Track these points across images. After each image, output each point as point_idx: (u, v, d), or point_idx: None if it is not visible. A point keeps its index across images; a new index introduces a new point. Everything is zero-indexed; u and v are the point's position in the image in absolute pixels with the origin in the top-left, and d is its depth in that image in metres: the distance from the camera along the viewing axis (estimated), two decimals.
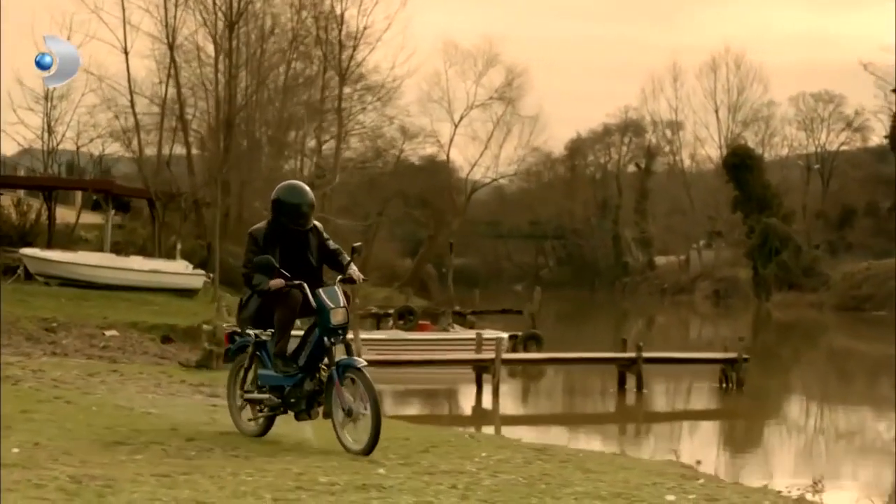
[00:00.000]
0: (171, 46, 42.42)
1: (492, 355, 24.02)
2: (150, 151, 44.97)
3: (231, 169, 40.29)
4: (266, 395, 9.06)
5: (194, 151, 45.19)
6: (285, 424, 9.28)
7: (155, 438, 9.02)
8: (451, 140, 71.90)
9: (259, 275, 8.80)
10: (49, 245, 35.00)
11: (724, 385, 25.21)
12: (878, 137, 79.78)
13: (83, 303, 27.86)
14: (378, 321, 35.40)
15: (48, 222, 38.34)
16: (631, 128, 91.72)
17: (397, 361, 25.46)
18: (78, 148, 53.29)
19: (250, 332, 9.19)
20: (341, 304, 8.76)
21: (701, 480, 8.95)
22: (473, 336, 27.18)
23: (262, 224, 9.12)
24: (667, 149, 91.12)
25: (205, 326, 19.86)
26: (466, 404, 25.02)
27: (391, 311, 34.36)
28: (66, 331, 22.64)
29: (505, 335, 29.61)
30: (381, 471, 7.82)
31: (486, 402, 23.57)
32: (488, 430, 19.27)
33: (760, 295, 69.08)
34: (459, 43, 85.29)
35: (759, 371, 28.15)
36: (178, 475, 7.31)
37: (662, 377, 27.58)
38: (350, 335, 9.11)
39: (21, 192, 41.25)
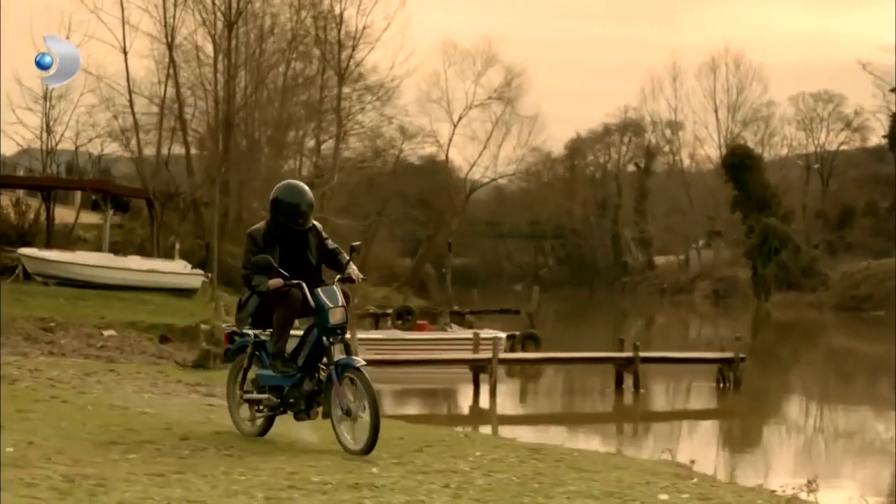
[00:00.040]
0: (170, 46, 42.47)
1: (489, 355, 24.04)
2: (148, 151, 44.99)
3: (230, 169, 40.31)
4: (265, 396, 9.06)
5: (193, 151, 45.22)
6: (280, 424, 9.28)
7: (149, 438, 9.03)
8: (450, 140, 72.00)
9: (258, 275, 8.79)
10: (47, 245, 35.01)
11: (721, 385, 25.23)
12: (877, 137, 79.95)
13: (81, 302, 27.87)
14: (376, 321, 35.41)
15: (47, 222, 38.35)
16: (630, 128, 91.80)
17: (395, 361, 25.47)
18: (77, 148, 53.27)
19: (249, 331, 9.19)
20: (340, 304, 8.74)
21: (695, 480, 8.95)
22: (471, 336, 27.19)
23: (260, 224, 9.11)
24: (666, 149, 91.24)
25: (202, 326, 19.88)
26: (464, 404, 25.02)
27: (389, 310, 34.38)
28: (63, 330, 22.62)
29: (502, 335, 29.65)
30: (374, 470, 7.83)
31: (484, 401, 23.58)
32: (485, 429, 19.29)
33: (760, 295, 69.10)
34: (458, 43, 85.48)
35: (758, 371, 28.17)
36: (171, 474, 7.32)
37: (660, 377, 27.61)
38: (347, 335, 9.08)
39: (20, 192, 41.24)
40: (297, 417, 9.02)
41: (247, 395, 9.27)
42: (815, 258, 70.74)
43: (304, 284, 8.76)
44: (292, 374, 8.87)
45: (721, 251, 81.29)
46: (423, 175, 69.25)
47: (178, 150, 46.18)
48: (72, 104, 49.91)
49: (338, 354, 8.73)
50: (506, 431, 17.81)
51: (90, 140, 51.96)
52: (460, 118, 71.35)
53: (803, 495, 9.38)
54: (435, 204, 68.36)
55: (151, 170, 42.18)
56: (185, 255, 35.49)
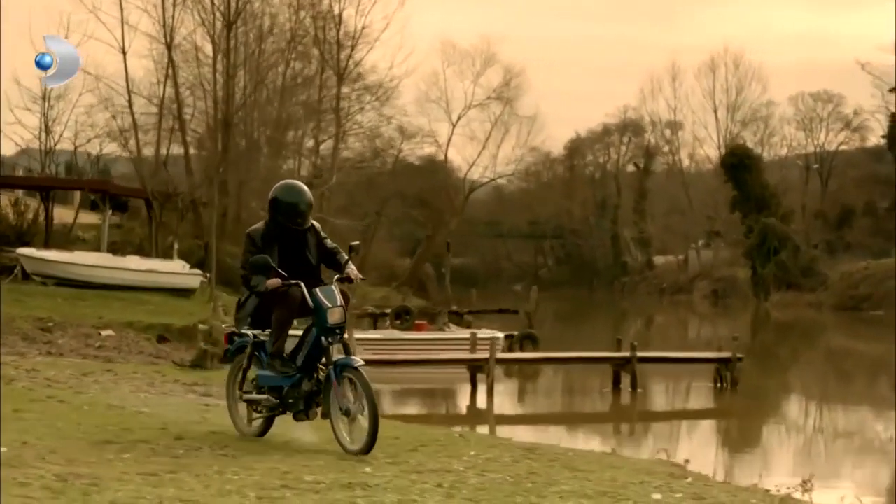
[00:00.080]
0: (169, 46, 42.47)
1: (487, 355, 24.05)
2: (147, 151, 44.97)
3: (229, 169, 40.30)
4: (264, 396, 9.06)
5: (192, 151, 45.21)
6: (277, 424, 9.29)
7: (144, 437, 9.05)
8: (450, 140, 71.96)
9: (257, 275, 8.79)
10: (46, 245, 34.99)
11: (718, 384, 25.24)
12: (876, 137, 79.99)
13: (79, 302, 27.88)
14: (375, 321, 35.40)
15: (45, 222, 38.33)
16: (630, 128, 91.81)
17: (393, 361, 25.48)
18: (76, 148, 53.27)
19: (248, 332, 9.20)
20: (338, 304, 8.73)
21: (689, 479, 8.96)
22: (469, 336, 27.18)
23: (259, 224, 9.11)
24: (666, 148, 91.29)
25: (200, 326, 19.90)
26: (462, 404, 25.03)
27: (388, 310, 34.35)
28: (61, 330, 22.62)
29: (500, 335, 29.63)
30: (368, 469, 7.84)
31: (481, 401, 23.59)
32: (482, 429, 19.30)
33: (759, 295, 69.11)
34: (457, 43, 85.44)
35: (756, 370, 28.17)
36: (165, 473, 7.33)
37: (657, 377, 27.62)
38: (346, 335, 9.09)
39: (19, 192, 41.24)
40: (297, 418, 9.03)
41: (246, 396, 9.27)
42: (815, 258, 70.76)
43: (302, 284, 8.76)
44: (291, 374, 8.87)
45: (720, 251, 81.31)
46: (422, 175, 69.25)
47: (176, 150, 46.23)
48: (70, 104, 49.98)
49: (336, 354, 8.73)
50: (503, 431, 17.83)
51: (89, 140, 52.05)
52: (459, 118, 71.42)
53: (798, 495, 9.37)
54: (434, 204, 68.35)
55: (150, 170, 42.15)
56: (183, 255, 35.48)
